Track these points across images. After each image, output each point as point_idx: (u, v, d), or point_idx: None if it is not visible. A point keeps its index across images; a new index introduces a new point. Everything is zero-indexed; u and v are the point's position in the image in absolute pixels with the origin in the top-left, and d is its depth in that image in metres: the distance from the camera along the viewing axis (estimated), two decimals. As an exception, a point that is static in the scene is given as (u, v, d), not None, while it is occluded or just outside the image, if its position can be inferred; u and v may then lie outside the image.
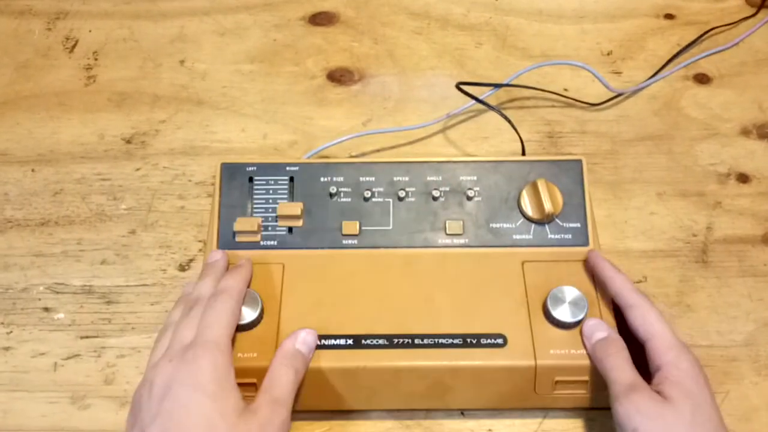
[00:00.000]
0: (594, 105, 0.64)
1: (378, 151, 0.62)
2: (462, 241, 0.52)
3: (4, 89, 0.67)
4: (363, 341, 0.47)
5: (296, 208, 0.52)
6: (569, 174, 0.53)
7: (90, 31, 0.71)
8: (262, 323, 0.48)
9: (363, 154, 0.62)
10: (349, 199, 0.53)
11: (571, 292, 0.48)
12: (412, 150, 0.62)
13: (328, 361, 0.46)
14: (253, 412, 0.41)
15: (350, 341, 0.47)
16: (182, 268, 0.56)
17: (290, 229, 0.52)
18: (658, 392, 0.42)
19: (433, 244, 0.52)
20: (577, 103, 0.65)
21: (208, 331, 0.44)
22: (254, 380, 0.46)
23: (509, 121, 0.58)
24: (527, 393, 0.47)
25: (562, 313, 0.47)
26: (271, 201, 0.53)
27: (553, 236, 0.52)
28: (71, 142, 0.63)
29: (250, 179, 0.53)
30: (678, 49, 0.68)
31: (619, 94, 0.65)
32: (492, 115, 0.60)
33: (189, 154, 0.62)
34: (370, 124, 0.64)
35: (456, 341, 0.47)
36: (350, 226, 0.52)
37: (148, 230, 0.58)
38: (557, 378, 0.47)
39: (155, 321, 0.54)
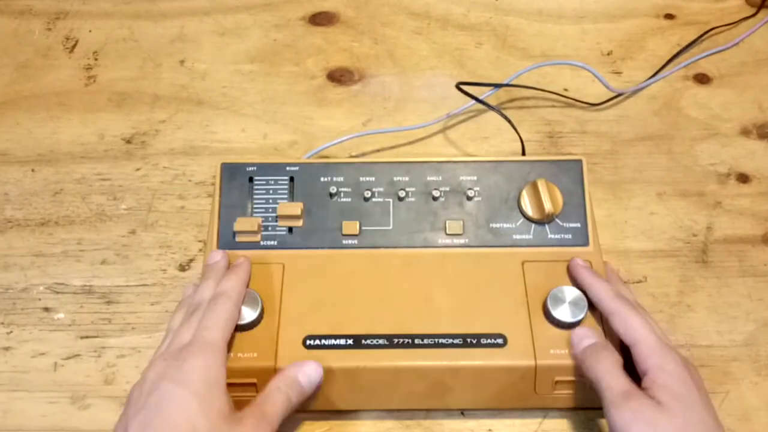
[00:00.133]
0: (594, 105, 0.64)
1: (378, 151, 0.62)
2: (462, 241, 0.52)
3: (4, 89, 0.67)
4: (363, 341, 0.47)
5: (296, 208, 0.52)
6: (569, 174, 0.53)
7: (90, 31, 0.71)
8: (262, 323, 0.48)
9: (363, 154, 0.62)
10: (349, 199, 0.53)
11: (571, 292, 0.48)
12: (412, 150, 0.62)
13: (328, 361, 0.46)
14: (238, 420, 0.41)
15: (350, 341, 0.47)
16: (182, 268, 0.56)
17: (290, 229, 0.52)
18: (652, 396, 0.42)
19: (433, 244, 0.52)
20: (577, 103, 0.65)
21: (206, 332, 0.44)
22: (254, 380, 0.46)
23: (509, 121, 0.58)
24: (527, 393, 0.47)
25: (562, 313, 0.47)
26: (271, 201, 0.53)
27: (553, 236, 0.52)
28: (71, 142, 0.63)
29: (250, 179, 0.53)
30: (678, 49, 0.68)
31: (619, 94, 0.65)
32: (492, 115, 0.60)
33: (189, 154, 0.62)
34: (370, 124, 0.64)
35: (456, 341, 0.47)
36: (350, 226, 0.52)
37: (148, 230, 0.58)
38: (557, 378, 0.47)
39: (155, 321, 0.54)
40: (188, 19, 0.72)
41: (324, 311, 0.49)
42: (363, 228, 0.52)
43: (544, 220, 0.52)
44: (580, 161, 0.54)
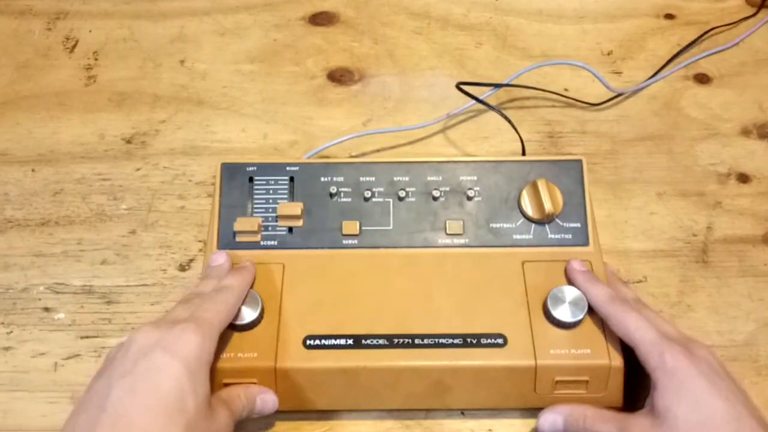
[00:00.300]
0: (594, 105, 0.64)
1: (378, 151, 0.62)
2: (462, 241, 0.52)
3: (4, 89, 0.67)
4: (363, 341, 0.47)
5: (296, 208, 0.52)
6: (569, 174, 0.53)
7: (90, 31, 0.71)
8: (262, 323, 0.48)
9: (363, 154, 0.62)
10: (350, 199, 0.53)
11: (571, 292, 0.48)
12: (412, 150, 0.62)
13: (328, 361, 0.46)
14: (213, 408, 0.42)
15: (350, 341, 0.47)
16: (182, 268, 0.56)
17: (290, 229, 0.52)
18: (653, 406, 0.42)
19: (433, 244, 0.52)
20: (578, 103, 0.65)
21: (205, 314, 0.44)
22: (254, 380, 0.46)
23: (509, 121, 0.58)
24: (527, 393, 0.47)
25: (562, 313, 0.47)
26: (271, 201, 0.53)
27: (553, 236, 0.52)
28: (71, 142, 0.63)
29: (251, 179, 0.54)
30: (678, 49, 0.68)
31: (619, 94, 0.65)
32: (492, 115, 0.60)
33: (189, 154, 0.62)
34: (370, 124, 0.64)
35: (456, 341, 0.47)
36: (350, 226, 0.52)
37: (149, 230, 0.58)
38: (557, 378, 0.47)
39: (155, 321, 0.54)
40: (188, 19, 0.72)
41: (324, 311, 0.49)
42: (363, 228, 0.52)
43: (544, 220, 0.52)
44: (580, 161, 0.54)
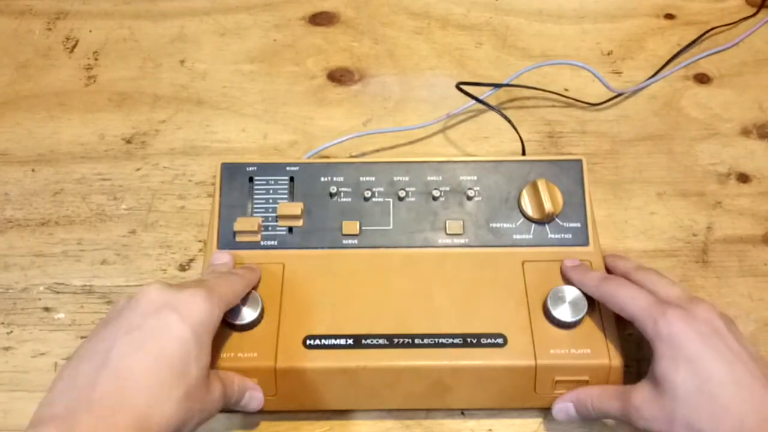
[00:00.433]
0: (594, 105, 0.64)
1: (378, 151, 0.62)
2: (462, 241, 0.52)
3: (4, 89, 0.67)
4: (363, 341, 0.47)
5: (296, 208, 0.52)
6: (569, 174, 0.53)
7: (90, 31, 0.71)
8: (262, 323, 0.48)
9: (363, 154, 0.62)
10: (350, 199, 0.53)
11: (571, 292, 0.48)
12: (412, 150, 0.62)
13: (328, 361, 0.46)
14: (213, 384, 0.41)
15: (350, 341, 0.47)
16: (182, 268, 0.56)
17: (290, 229, 0.52)
18: (653, 375, 0.42)
19: (433, 243, 0.52)
20: (578, 103, 0.65)
21: (215, 285, 0.44)
22: (254, 380, 0.46)
23: (509, 121, 0.58)
24: (527, 393, 0.47)
25: (562, 313, 0.47)
26: (271, 201, 0.53)
27: (553, 236, 0.52)
28: (71, 142, 0.63)
29: (251, 179, 0.54)
30: (678, 49, 0.68)
31: (619, 94, 0.65)
32: (492, 115, 0.60)
33: (189, 154, 0.62)
34: (370, 124, 0.64)
35: (456, 341, 0.47)
36: (350, 226, 0.52)
37: (149, 230, 0.58)
38: (557, 378, 0.47)
39: (155, 321, 0.53)
40: (188, 19, 0.72)
41: (324, 311, 0.49)
42: (363, 228, 0.52)
43: (544, 220, 0.52)
44: (580, 161, 0.54)
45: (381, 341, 0.47)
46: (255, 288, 0.49)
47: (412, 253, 0.51)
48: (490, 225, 0.52)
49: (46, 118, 0.65)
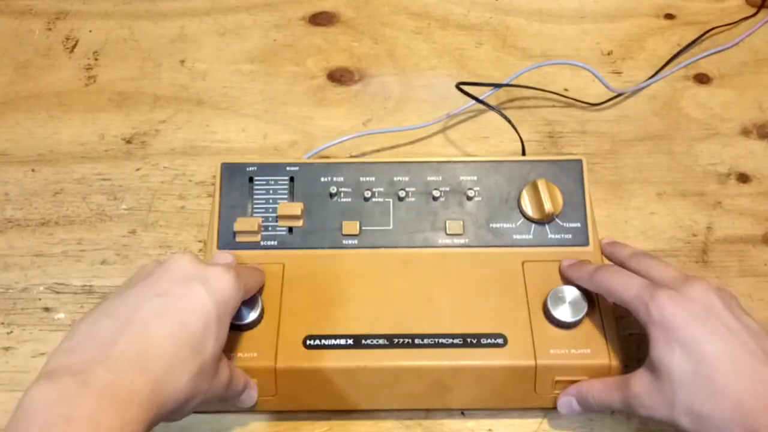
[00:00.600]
0: (594, 105, 0.64)
1: (378, 151, 0.62)
2: (462, 241, 0.52)
3: (4, 89, 0.67)
4: (363, 341, 0.47)
5: (296, 208, 0.52)
6: (569, 174, 0.53)
7: (90, 31, 0.71)
8: (262, 323, 0.48)
9: (363, 154, 0.62)
10: (350, 199, 0.53)
11: (571, 292, 0.48)
12: (412, 150, 0.62)
13: (328, 361, 0.46)
14: (222, 368, 0.42)
15: (350, 341, 0.47)
16: (182, 268, 0.56)
17: (290, 229, 0.52)
18: (650, 361, 0.41)
19: (433, 244, 0.52)
20: (578, 103, 0.65)
21: (243, 273, 0.44)
22: (254, 380, 0.46)
23: (509, 121, 0.58)
24: (527, 393, 0.47)
25: (562, 313, 0.47)
26: (271, 201, 0.53)
27: (553, 236, 0.52)
28: (71, 142, 0.63)
29: (251, 179, 0.53)
30: (678, 49, 0.68)
31: (619, 94, 0.65)
32: (492, 115, 0.60)
33: (189, 154, 0.62)
34: (370, 124, 0.64)
35: (456, 341, 0.47)
36: (350, 226, 0.52)
37: (149, 230, 0.58)
38: (557, 378, 0.47)
39: (155, 321, 0.53)
40: (188, 19, 0.72)
41: (324, 311, 0.49)
42: (363, 228, 0.52)
43: (544, 220, 0.52)
44: (580, 161, 0.54)
45: (381, 341, 0.47)
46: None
47: (412, 253, 0.51)
48: (490, 225, 0.52)
49: (46, 118, 0.65)
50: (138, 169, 0.61)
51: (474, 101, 0.59)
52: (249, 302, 0.47)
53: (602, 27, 0.71)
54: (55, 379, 0.34)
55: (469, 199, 0.53)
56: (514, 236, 0.52)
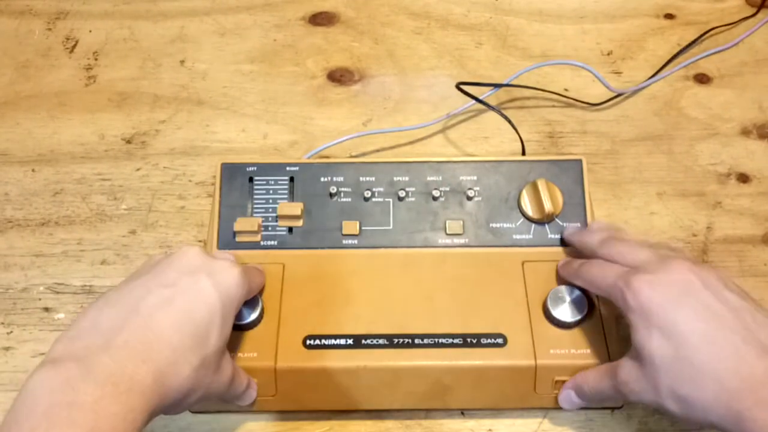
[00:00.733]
0: (594, 105, 0.64)
1: (378, 151, 0.62)
2: (462, 241, 0.52)
3: (4, 89, 0.67)
4: (363, 341, 0.47)
5: (296, 208, 0.52)
6: (569, 174, 0.53)
7: (90, 31, 0.71)
8: (262, 323, 0.48)
9: (363, 154, 0.62)
10: (349, 199, 0.53)
11: (571, 292, 0.48)
12: (412, 150, 0.62)
13: (328, 361, 0.46)
14: (224, 364, 0.42)
15: (350, 341, 0.47)
16: (182, 268, 0.56)
17: (290, 229, 0.52)
18: (634, 347, 0.41)
19: (433, 244, 0.52)
20: (578, 103, 0.65)
21: (247, 271, 0.44)
22: (254, 380, 0.46)
23: (509, 121, 0.58)
24: (527, 393, 0.47)
25: (562, 313, 0.47)
26: (271, 201, 0.53)
27: (553, 236, 0.52)
28: (71, 142, 0.63)
29: (250, 179, 0.54)
30: (678, 49, 0.68)
31: (619, 94, 0.65)
32: (492, 115, 0.60)
33: (189, 154, 0.62)
34: (371, 124, 0.64)
35: (456, 341, 0.47)
36: (350, 226, 0.52)
37: (149, 230, 0.58)
38: (557, 378, 0.47)
39: (155, 321, 0.53)
40: (188, 19, 0.72)
41: (324, 311, 0.49)
42: (363, 228, 0.52)
43: (544, 220, 0.52)
44: (580, 161, 0.54)
45: (381, 341, 0.47)
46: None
47: (412, 253, 0.51)
48: (490, 225, 0.52)
49: (46, 118, 0.65)
50: (138, 169, 0.61)
51: (474, 101, 0.59)
52: (249, 302, 0.47)
53: (602, 27, 0.71)
54: (59, 365, 0.34)
55: (469, 199, 0.53)
56: (514, 236, 0.52)
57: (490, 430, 0.49)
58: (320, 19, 0.72)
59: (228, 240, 0.52)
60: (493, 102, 0.62)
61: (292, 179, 0.53)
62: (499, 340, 0.47)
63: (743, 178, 0.60)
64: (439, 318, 0.48)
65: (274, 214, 0.53)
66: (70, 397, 0.33)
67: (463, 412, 0.50)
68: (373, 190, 0.53)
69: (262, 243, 0.52)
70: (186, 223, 0.58)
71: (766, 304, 0.53)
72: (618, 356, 0.46)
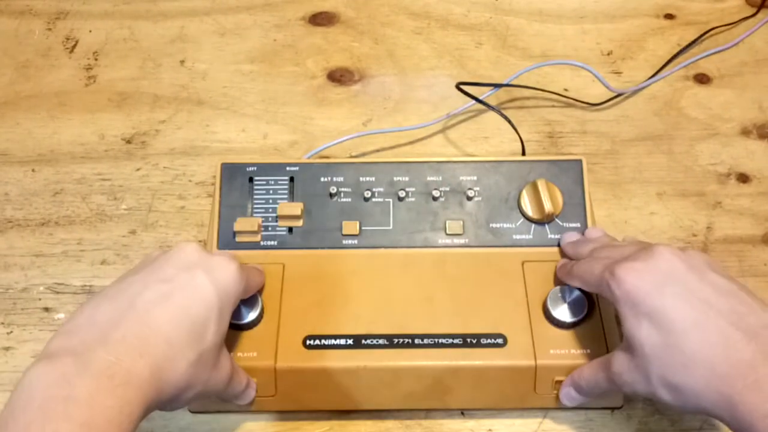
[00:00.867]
0: (594, 105, 0.64)
1: (378, 151, 0.62)
2: (462, 241, 0.52)
3: (4, 89, 0.67)
4: (363, 341, 0.47)
5: (296, 208, 0.52)
6: (569, 174, 0.53)
7: (90, 31, 0.71)
8: (262, 323, 0.48)
9: (363, 154, 0.62)
10: (349, 199, 0.53)
11: (571, 293, 0.48)
12: (412, 150, 0.62)
13: (328, 361, 0.46)
14: (222, 360, 0.42)
15: (350, 341, 0.47)
16: (182, 268, 0.56)
17: (290, 229, 0.52)
18: (624, 338, 0.41)
19: (433, 244, 0.52)
20: (578, 103, 0.65)
21: (245, 268, 0.44)
22: (254, 380, 0.46)
23: (509, 121, 0.58)
24: (527, 393, 0.47)
25: (562, 313, 0.47)
26: (271, 201, 0.53)
27: (553, 236, 0.52)
28: (71, 142, 0.63)
29: (250, 179, 0.54)
30: (678, 49, 0.68)
31: (619, 94, 0.65)
32: (492, 115, 0.60)
33: (189, 154, 0.62)
34: (371, 124, 0.64)
35: (456, 341, 0.47)
36: (350, 226, 0.52)
37: (149, 230, 0.58)
38: (557, 378, 0.47)
39: (155, 321, 0.53)
40: (188, 19, 0.72)
41: (324, 311, 0.49)
42: (363, 228, 0.52)
43: (544, 220, 0.52)
44: (580, 161, 0.54)
45: (381, 341, 0.47)
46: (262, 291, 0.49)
47: (412, 253, 0.51)
48: (490, 225, 0.52)
49: (46, 118, 0.65)
50: (138, 169, 0.61)
51: (474, 101, 0.59)
52: (249, 302, 0.47)
53: (602, 27, 0.71)
54: (55, 360, 0.35)
55: (469, 199, 0.53)
56: (514, 236, 0.52)
57: (490, 430, 0.49)
58: (320, 19, 0.72)
59: (228, 240, 0.52)
60: (493, 102, 0.62)
61: (292, 179, 0.54)
62: (499, 341, 0.47)
63: (743, 178, 0.60)
64: (439, 318, 0.48)
65: (274, 214, 0.53)
66: (66, 391, 0.33)
67: (463, 412, 0.50)
68: (373, 190, 0.53)
69: (262, 243, 0.52)
70: (186, 223, 0.58)
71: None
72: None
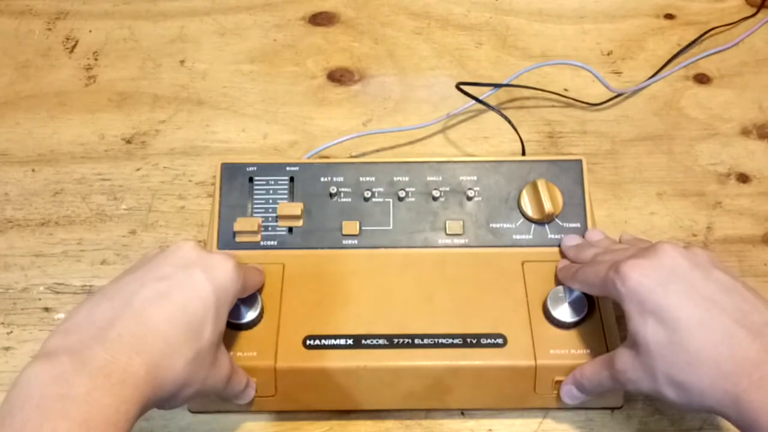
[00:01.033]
0: (594, 105, 0.64)
1: (378, 151, 0.62)
2: (462, 241, 0.52)
3: (4, 89, 0.67)
4: (363, 341, 0.47)
5: (296, 208, 0.52)
6: (569, 174, 0.53)
7: (90, 31, 0.71)
8: (262, 323, 0.48)
9: (363, 154, 0.62)
10: (349, 199, 0.53)
11: (570, 293, 0.48)
12: (412, 150, 0.62)
13: (328, 361, 0.46)
14: (221, 358, 0.42)
15: (350, 341, 0.47)
16: (182, 268, 0.56)
17: (290, 229, 0.52)
18: (629, 335, 0.41)
19: (433, 244, 0.52)
20: (578, 103, 0.65)
21: (243, 267, 0.44)
22: (254, 380, 0.46)
23: (509, 121, 0.58)
24: (527, 393, 0.47)
25: (562, 313, 0.47)
26: (271, 201, 0.53)
27: (553, 236, 0.52)
28: (71, 142, 0.63)
29: (250, 179, 0.54)
30: (678, 49, 0.68)
31: (619, 94, 0.65)
32: (492, 115, 0.60)
33: (189, 154, 0.62)
34: (371, 124, 0.64)
35: (456, 341, 0.47)
36: (350, 226, 0.52)
37: (149, 230, 0.58)
38: (557, 378, 0.47)
39: (155, 321, 0.53)
40: (188, 19, 0.72)
41: (324, 311, 0.49)
42: (363, 228, 0.52)
43: (544, 220, 0.52)
44: (580, 161, 0.54)
45: (381, 341, 0.47)
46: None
47: (412, 253, 0.51)
48: (490, 225, 0.52)
49: (46, 118, 0.65)
50: (138, 169, 0.61)
51: (474, 101, 0.59)
52: (249, 302, 0.47)
53: (602, 27, 0.71)
54: (52, 358, 0.35)
55: (469, 199, 0.53)
56: (514, 236, 0.52)
57: (490, 430, 0.49)
58: (320, 19, 0.72)
59: (228, 240, 0.52)
60: (493, 102, 0.62)
61: (292, 179, 0.54)
62: (499, 341, 0.47)
63: (743, 178, 0.60)
64: (439, 318, 0.48)
65: (274, 214, 0.53)
66: (64, 389, 0.33)
67: (463, 412, 0.50)
68: (373, 190, 0.53)
69: (262, 243, 0.52)
70: (186, 223, 0.58)
71: (766, 304, 0.54)
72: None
